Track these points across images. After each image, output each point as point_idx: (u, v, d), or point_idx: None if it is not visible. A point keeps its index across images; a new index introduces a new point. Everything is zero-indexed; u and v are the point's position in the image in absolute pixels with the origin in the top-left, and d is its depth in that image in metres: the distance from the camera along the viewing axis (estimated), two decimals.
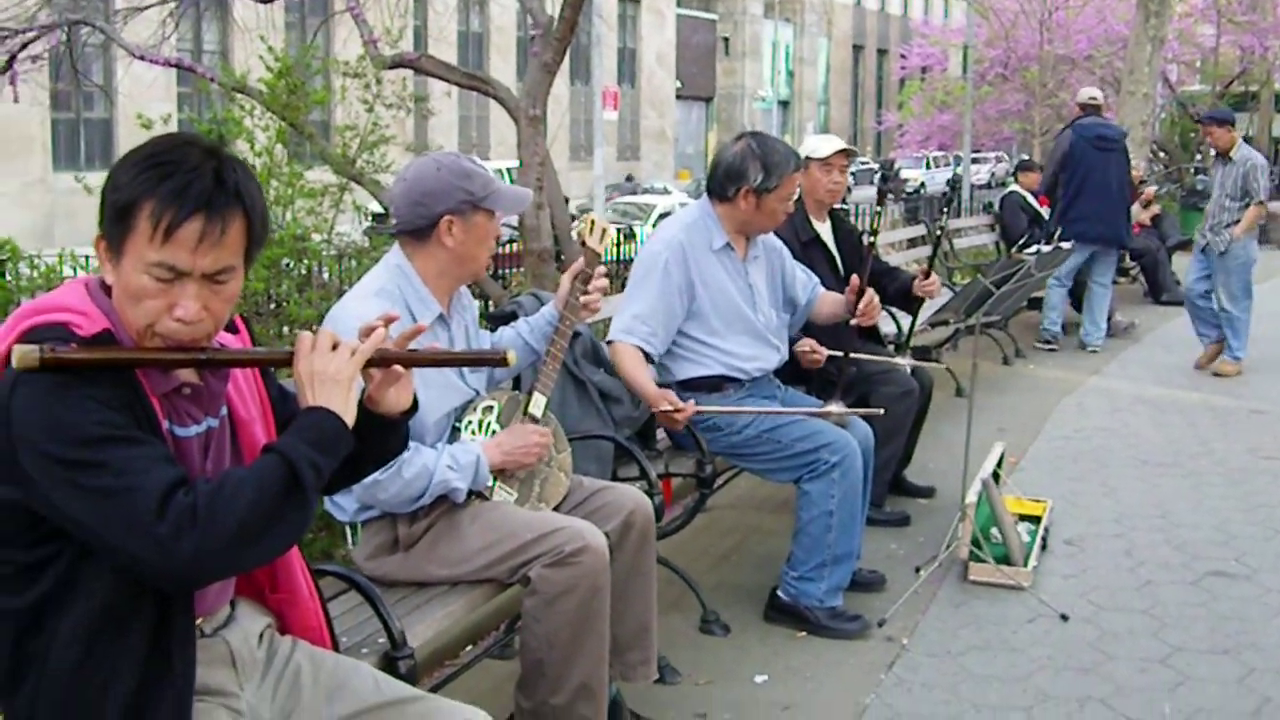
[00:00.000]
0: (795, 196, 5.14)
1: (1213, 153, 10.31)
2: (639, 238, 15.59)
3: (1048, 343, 11.19)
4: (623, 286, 5.26)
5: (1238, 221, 9.77)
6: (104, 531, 2.03)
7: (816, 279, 5.40)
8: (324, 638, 2.63)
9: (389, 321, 2.42)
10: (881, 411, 4.99)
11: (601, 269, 4.01)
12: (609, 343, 4.73)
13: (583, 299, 3.92)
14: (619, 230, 13.19)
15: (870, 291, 5.08)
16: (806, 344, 5.25)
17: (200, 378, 2.30)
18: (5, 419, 2.06)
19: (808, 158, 5.88)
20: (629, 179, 37.88)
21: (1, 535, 2.16)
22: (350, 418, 2.27)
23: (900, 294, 6.00)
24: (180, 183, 2.10)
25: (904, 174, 42.08)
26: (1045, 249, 5.46)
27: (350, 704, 2.50)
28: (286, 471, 2.12)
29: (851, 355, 5.27)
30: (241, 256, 2.20)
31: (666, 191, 33.51)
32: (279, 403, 2.52)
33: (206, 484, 2.09)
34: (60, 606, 2.15)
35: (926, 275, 5.75)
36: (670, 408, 4.44)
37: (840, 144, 5.99)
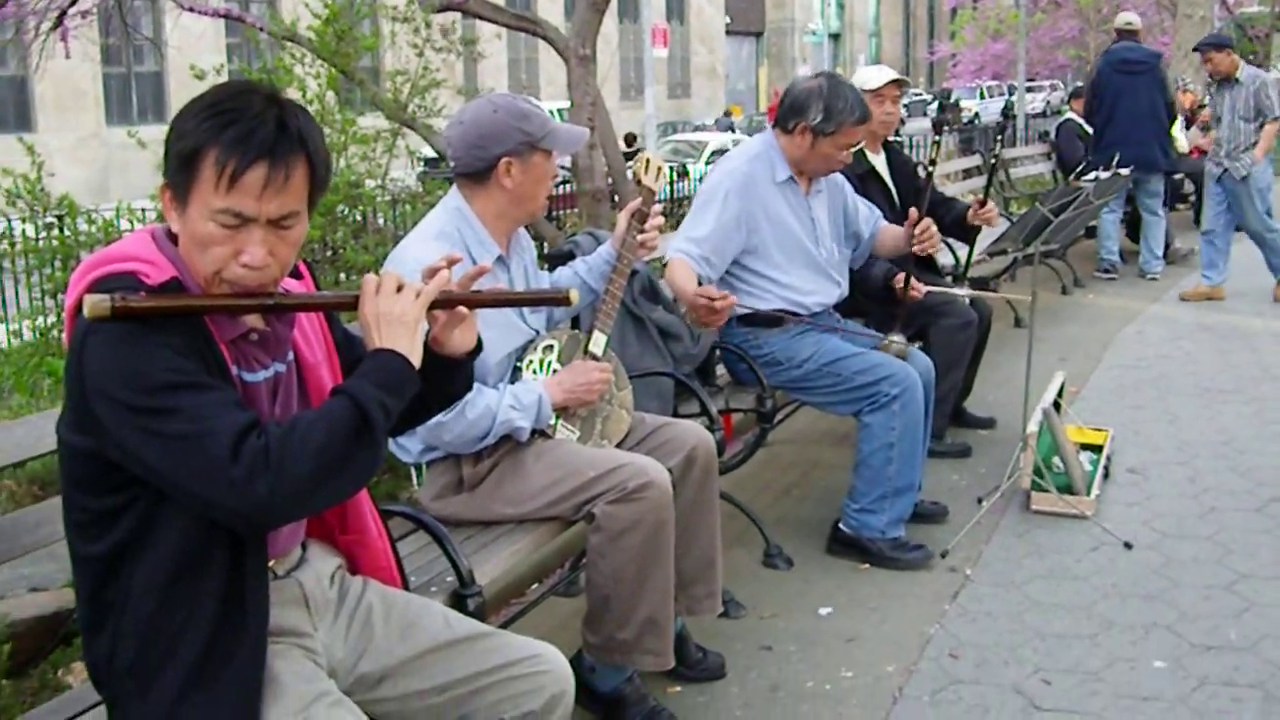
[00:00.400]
0: (855, 147, 5.10)
1: (1208, 80, 10.04)
2: (691, 175, 15.53)
3: (1106, 271, 11.08)
4: (676, 225, 5.27)
5: (1256, 143, 9.59)
6: (179, 477, 2.06)
7: (878, 212, 5.40)
8: (394, 577, 2.67)
9: (452, 263, 2.44)
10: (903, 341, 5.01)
11: (658, 207, 4.01)
12: (664, 263, 4.75)
13: (640, 237, 3.93)
14: (671, 169, 13.16)
15: (928, 220, 5.06)
16: (900, 278, 5.24)
17: (267, 323, 2.32)
18: (78, 368, 2.09)
19: (860, 90, 5.85)
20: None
21: (77, 483, 2.20)
22: (416, 359, 2.29)
23: (956, 223, 5.96)
24: (244, 129, 2.12)
25: (961, 104, 41.58)
26: (1104, 175, 5.40)
27: (422, 641, 2.54)
28: (356, 413, 2.15)
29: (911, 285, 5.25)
30: (305, 201, 2.22)
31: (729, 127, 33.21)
32: (344, 346, 2.54)
33: (278, 427, 2.11)
34: (136, 553, 2.19)
35: (983, 205, 5.70)
36: (706, 299, 4.41)
37: (891, 74, 5.95)
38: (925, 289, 5.31)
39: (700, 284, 4.64)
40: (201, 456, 2.04)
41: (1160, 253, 11.07)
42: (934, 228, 5.11)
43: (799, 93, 4.85)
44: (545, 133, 3.54)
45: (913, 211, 5.10)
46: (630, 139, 25.25)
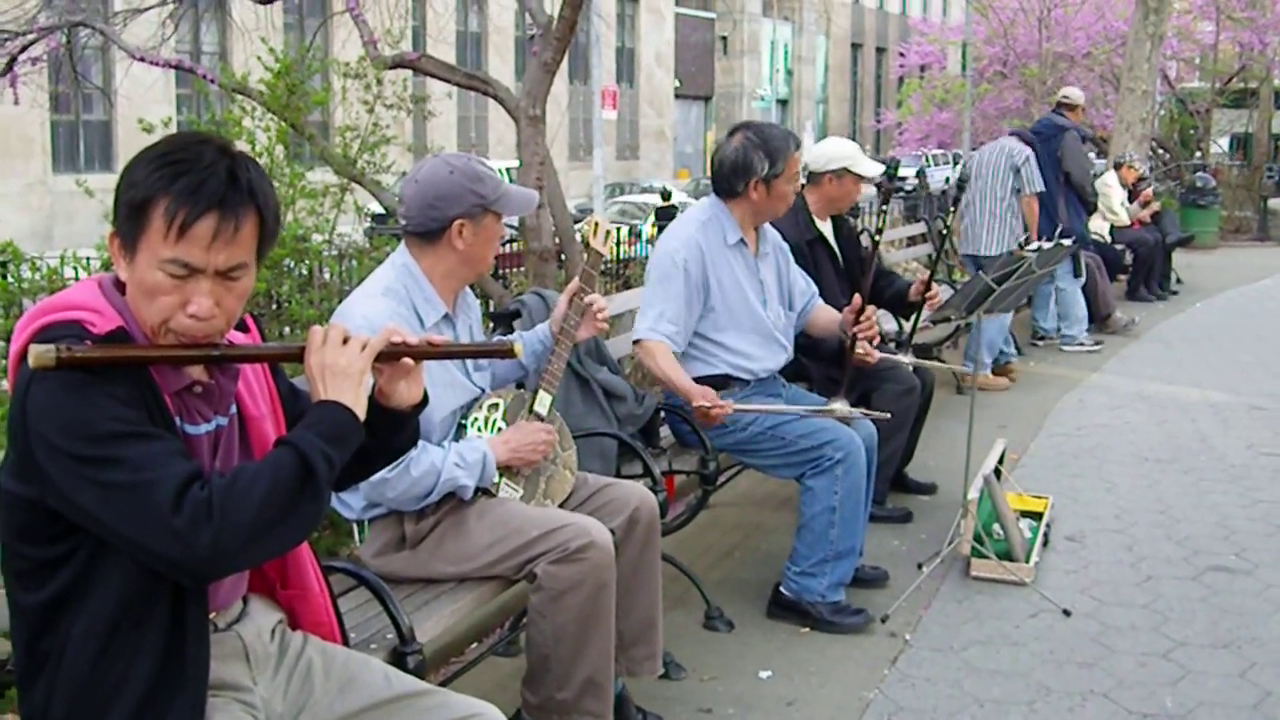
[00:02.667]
0: (799, 176, 5.16)
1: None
2: (643, 236, 15.61)
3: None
4: (624, 285, 5.29)
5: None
6: (121, 526, 2.05)
7: (815, 289, 5.42)
8: (334, 633, 2.65)
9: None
10: (889, 416, 5.03)
11: (595, 296, 4.01)
12: (636, 342, 4.76)
13: (591, 300, 3.94)
14: (624, 229, 13.22)
15: (871, 308, 5.09)
16: (861, 346, 5.21)
17: (211, 376, 2.32)
18: (21, 417, 2.09)
19: (845, 169, 5.95)
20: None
21: (19, 532, 2.19)
22: (361, 411, 2.29)
23: (897, 298, 6.00)
24: (195, 180, 2.12)
25: (902, 172, 41.91)
26: (1046, 245, 5.46)
27: (362, 698, 2.52)
28: (299, 463, 2.15)
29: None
30: (254, 254, 2.22)
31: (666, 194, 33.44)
32: (289, 400, 2.54)
33: (221, 478, 2.11)
34: (76, 603, 2.17)
35: (927, 286, 5.71)
36: (708, 404, 4.50)
37: (878, 169, 6.02)
38: (879, 355, 5.35)
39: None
40: (144, 506, 2.03)
41: (1076, 324, 11.08)
42: (875, 318, 5.13)
43: (732, 155, 4.86)
44: (498, 195, 3.55)
45: (856, 298, 5.09)
46: (665, 195, 25.66)
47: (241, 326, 2.44)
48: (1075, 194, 10.86)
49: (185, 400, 2.28)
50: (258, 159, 7.68)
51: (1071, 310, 11.03)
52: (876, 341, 5.22)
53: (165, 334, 2.18)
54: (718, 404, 4.57)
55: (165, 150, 2.18)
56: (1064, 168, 10.71)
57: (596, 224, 4.11)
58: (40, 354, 2.03)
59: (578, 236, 8.13)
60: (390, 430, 2.52)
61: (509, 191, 3.59)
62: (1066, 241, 5.57)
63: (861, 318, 5.06)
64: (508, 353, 2.60)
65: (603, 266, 4.05)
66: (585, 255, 4.02)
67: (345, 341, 2.31)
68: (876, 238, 5.35)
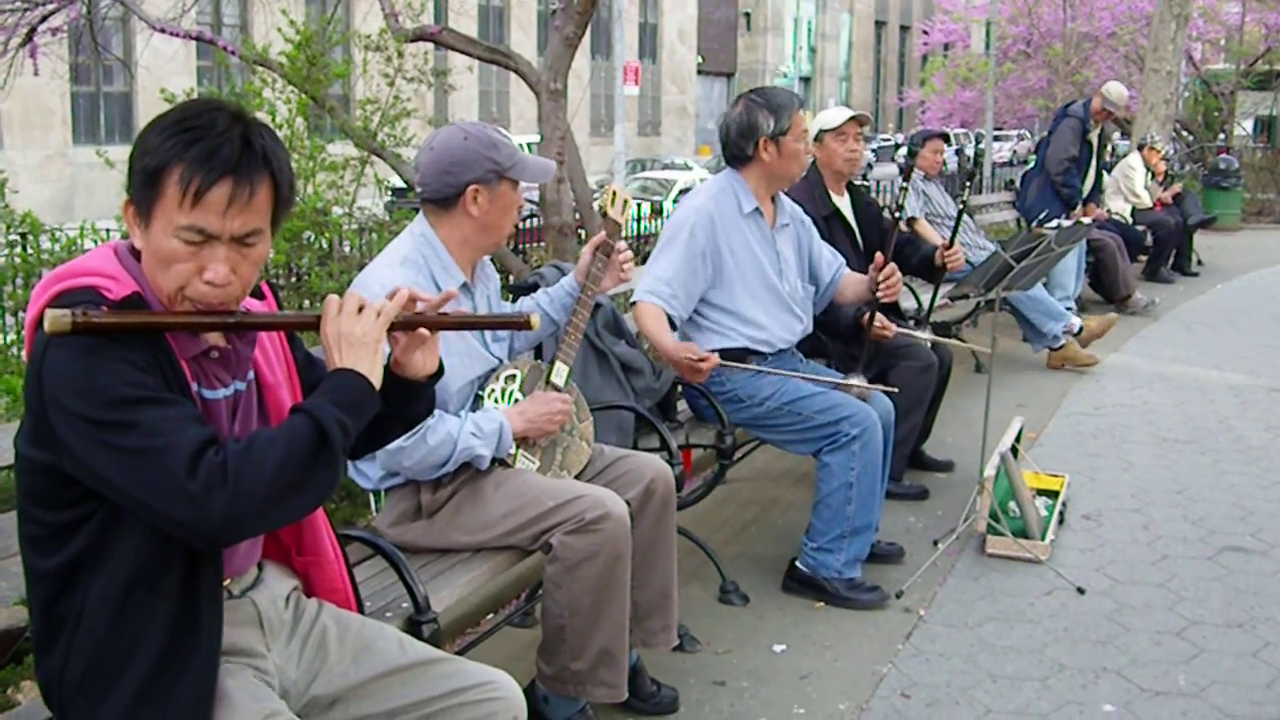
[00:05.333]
0: (809, 134, 5.14)
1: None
2: (665, 213, 15.58)
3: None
4: (644, 261, 5.28)
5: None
6: (136, 491, 2.06)
7: (842, 259, 5.39)
8: (349, 601, 2.67)
9: (415, 299, 2.45)
10: (897, 390, 5.02)
11: (622, 242, 4.03)
12: (632, 303, 4.76)
13: (619, 258, 3.95)
14: (647, 205, 13.17)
15: (891, 267, 5.06)
16: (879, 320, 5.21)
17: (228, 341, 2.33)
18: (37, 382, 2.09)
19: (821, 130, 5.91)
20: None
21: (35, 497, 2.20)
22: (376, 379, 2.30)
23: (923, 264, 6.00)
24: (209, 147, 2.13)
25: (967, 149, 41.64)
26: (1065, 223, 5.45)
27: (376, 665, 2.54)
28: (315, 431, 2.15)
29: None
30: (269, 220, 2.23)
31: (687, 167, 33.40)
32: (305, 367, 2.55)
33: (236, 443, 2.11)
34: (92, 568, 2.18)
35: (949, 248, 5.74)
36: (692, 358, 4.47)
37: (850, 111, 5.99)
38: (896, 329, 5.34)
39: (672, 325, 4.67)
40: (159, 471, 2.04)
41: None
42: (898, 275, 5.10)
43: (738, 118, 4.86)
44: (513, 163, 3.55)
45: (878, 256, 5.10)
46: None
47: (257, 293, 2.45)
48: (1048, 180, 10.90)
49: (203, 365, 2.29)
50: (278, 131, 7.71)
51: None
52: (897, 292, 5.19)
53: (181, 301, 2.19)
54: (699, 355, 4.53)
55: (179, 117, 2.18)
56: (1049, 149, 10.78)
57: (615, 193, 4.10)
58: (56, 319, 2.03)
59: (595, 207, 8.12)
60: (405, 399, 2.53)
61: (524, 159, 3.59)
62: (1086, 220, 5.55)
63: (883, 276, 5.04)
64: (524, 324, 2.59)
65: (622, 238, 4.04)
66: (604, 225, 4.02)
67: (360, 310, 2.31)
68: (898, 214, 5.34)
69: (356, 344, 2.28)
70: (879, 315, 5.20)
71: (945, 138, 9.28)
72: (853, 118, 5.93)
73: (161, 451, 2.04)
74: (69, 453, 2.09)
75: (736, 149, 4.88)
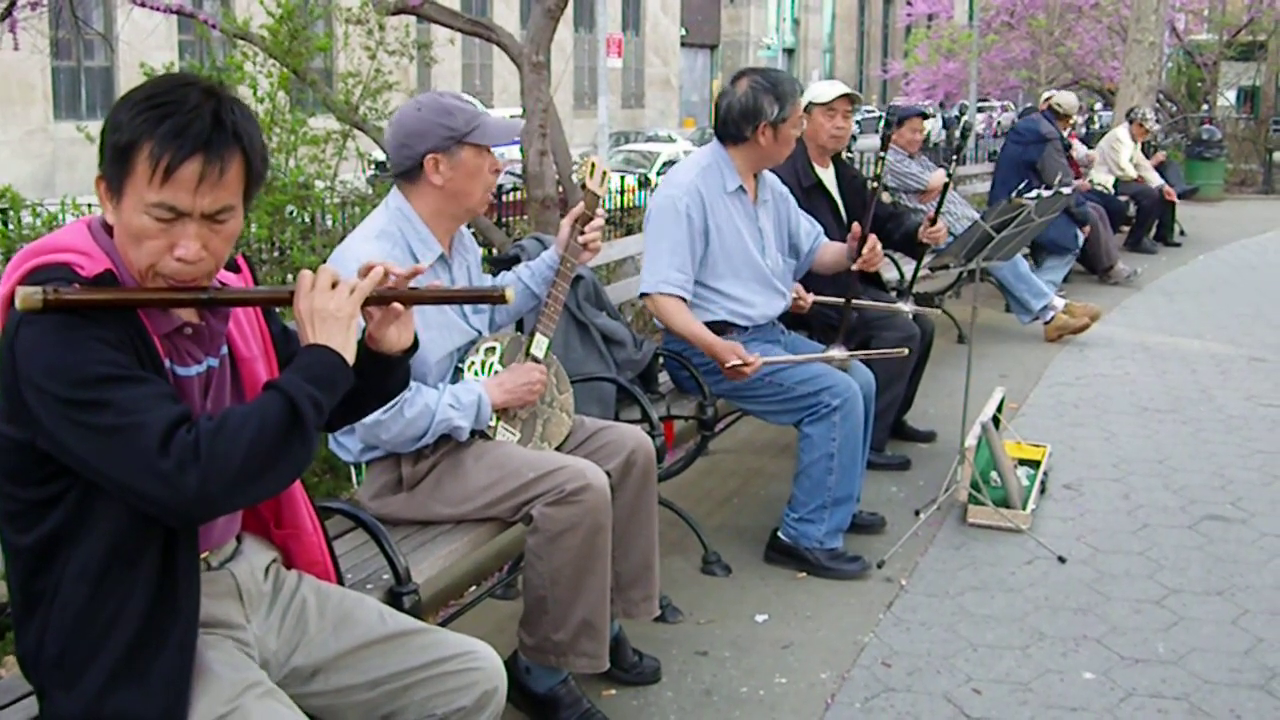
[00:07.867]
0: (802, 123, 5.16)
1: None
2: (651, 185, 15.54)
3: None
4: (628, 232, 5.28)
5: None
6: (109, 469, 2.07)
7: (820, 228, 5.39)
8: (329, 573, 2.67)
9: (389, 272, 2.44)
10: (905, 352, 5.05)
11: (601, 212, 4.03)
12: (644, 295, 4.75)
13: (582, 238, 3.94)
14: (632, 177, 13.15)
15: (872, 238, 5.06)
16: (795, 289, 5.25)
17: (201, 317, 2.32)
18: (10, 360, 2.09)
19: (810, 103, 5.89)
20: None
21: (10, 474, 2.19)
22: (350, 354, 2.29)
23: (906, 239, 6.02)
24: (179, 123, 2.12)
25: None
26: (1045, 194, 5.46)
27: (356, 636, 2.55)
28: (287, 407, 2.15)
29: (854, 301, 5.28)
30: (241, 196, 2.22)
31: (671, 140, 33.31)
32: (281, 341, 2.54)
33: (209, 420, 2.11)
34: (68, 543, 2.18)
35: (933, 222, 5.76)
36: (739, 361, 4.51)
37: (844, 88, 5.98)
38: (811, 299, 5.30)
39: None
40: (131, 449, 2.04)
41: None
42: (878, 246, 5.10)
43: (741, 100, 4.83)
44: (471, 127, 3.52)
45: (856, 226, 5.09)
46: None
47: (232, 267, 2.45)
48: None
49: (175, 342, 2.28)
50: (259, 105, 7.70)
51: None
52: (877, 262, 5.21)
53: (154, 277, 2.18)
54: (747, 359, 4.56)
55: (150, 93, 2.17)
56: (1043, 180, 10.70)
57: (593, 164, 4.09)
58: (27, 296, 2.03)
59: (575, 179, 8.11)
60: (380, 374, 2.53)
61: (486, 122, 3.56)
62: (1066, 190, 5.56)
63: (864, 248, 5.04)
64: (499, 298, 2.56)
65: (601, 210, 4.03)
66: (583, 197, 4.01)
67: (334, 285, 2.31)
68: (876, 184, 5.34)
69: (330, 319, 2.27)
70: (797, 287, 5.24)
71: (924, 115, 9.26)
72: (844, 95, 5.93)
73: (134, 430, 2.04)
74: (42, 430, 2.08)
75: (734, 128, 4.86)
